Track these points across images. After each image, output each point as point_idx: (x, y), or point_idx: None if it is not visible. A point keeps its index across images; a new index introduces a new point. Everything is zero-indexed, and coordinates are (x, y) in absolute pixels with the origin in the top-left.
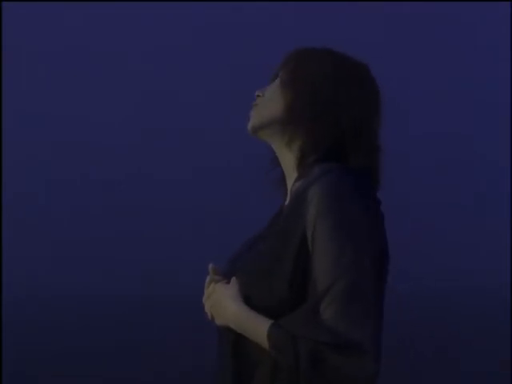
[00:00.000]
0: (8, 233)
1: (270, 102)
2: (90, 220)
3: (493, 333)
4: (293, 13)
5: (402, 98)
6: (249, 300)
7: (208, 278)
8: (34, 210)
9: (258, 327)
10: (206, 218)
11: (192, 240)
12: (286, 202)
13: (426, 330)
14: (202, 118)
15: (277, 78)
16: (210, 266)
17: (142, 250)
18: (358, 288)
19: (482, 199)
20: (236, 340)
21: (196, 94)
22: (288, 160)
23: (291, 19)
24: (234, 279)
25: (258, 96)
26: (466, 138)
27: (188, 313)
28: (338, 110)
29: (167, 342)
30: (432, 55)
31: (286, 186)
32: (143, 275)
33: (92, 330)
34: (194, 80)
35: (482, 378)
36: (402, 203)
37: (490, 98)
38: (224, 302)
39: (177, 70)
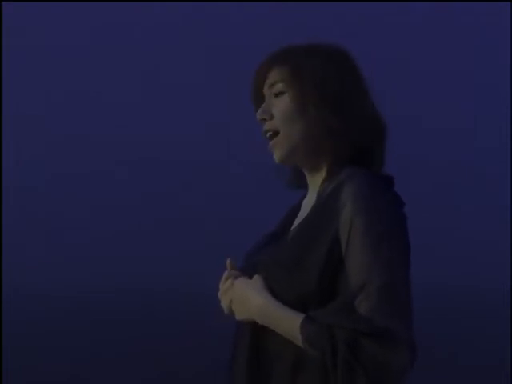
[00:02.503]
0: (8, 230)
1: (288, 130)
2: (90, 215)
3: (493, 332)
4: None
5: (401, 99)
6: (272, 294)
7: (225, 273)
8: (35, 207)
9: (287, 319)
10: (207, 214)
11: (192, 238)
12: (308, 199)
13: (426, 329)
14: (202, 122)
15: (262, 86)
16: (228, 260)
17: (143, 246)
18: (392, 286)
19: (482, 200)
20: (255, 335)
21: (195, 94)
22: (312, 165)
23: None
24: (257, 275)
25: (264, 119)
26: (466, 140)
27: (189, 310)
28: (358, 119)
29: (168, 339)
30: (431, 55)
31: (302, 184)
32: (144, 271)
33: (92, 327)
34: (194, 79)
35: (481, 377)
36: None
37: (491, 99)
38: (248, 296)
39: (175, 67)
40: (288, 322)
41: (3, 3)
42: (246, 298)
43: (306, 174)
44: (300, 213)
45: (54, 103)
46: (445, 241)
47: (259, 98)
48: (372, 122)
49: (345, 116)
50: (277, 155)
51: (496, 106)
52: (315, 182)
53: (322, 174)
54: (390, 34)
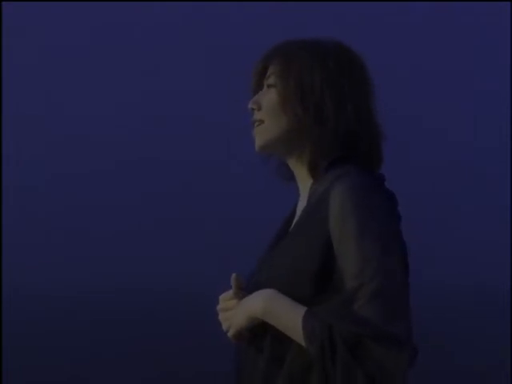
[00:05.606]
0: (8, 230)
1: (271, 122)
2: (90, 215)
3: (493, 332)
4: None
5: (402, 99)
6: None
7: (230, 292)
8: (35, 207)
9: (290, 313)
10: (207, 214)
11: (192, 238)
12: (300, 204)
13: (425, 329)
14: (201, 119)
15: (263, 77)
16: (233, 276)
17: (143, 246)
18: (389, 288)
19: (482, 200)
20: (262, 339)
21: (194, 93)
22: (300, 168)
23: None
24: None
25: (254, 109)
26: (466, 140)
27: (189, 310)
28: (342, 112)
29: (168, 339)
30: (431, 55)
31: (297, 185)
32: (144, 271)
33: (92, 327)
34: (192, 78)
35: (481, 377)
36: (402, 204)
37: (491, 99)
38: (251, 297)
39: (175, 67)
40: (291, 316)
41: (3, 3)
42: (246, 301)
43: (294, 173)
44: (296, 216)
45: (53, 103)
46: (445, 241)
47: (258, 89)
48: (359, 126)
49: (323, 119)
50: (256, 144)
51: (496, 106)
52: (304, 183)
53: (308, 174)
54: (390, 34)
